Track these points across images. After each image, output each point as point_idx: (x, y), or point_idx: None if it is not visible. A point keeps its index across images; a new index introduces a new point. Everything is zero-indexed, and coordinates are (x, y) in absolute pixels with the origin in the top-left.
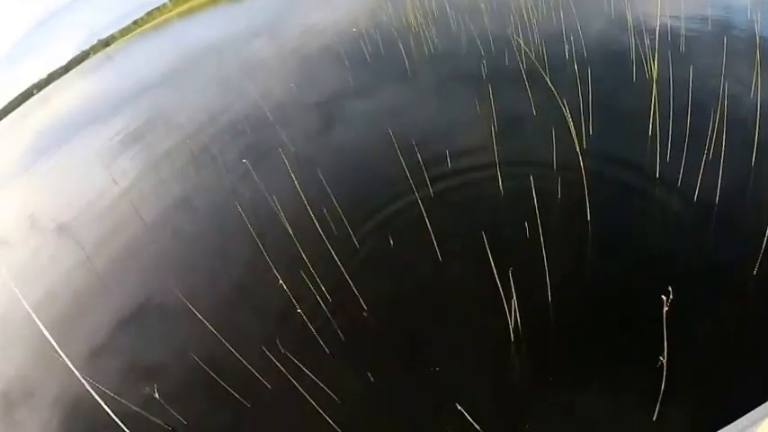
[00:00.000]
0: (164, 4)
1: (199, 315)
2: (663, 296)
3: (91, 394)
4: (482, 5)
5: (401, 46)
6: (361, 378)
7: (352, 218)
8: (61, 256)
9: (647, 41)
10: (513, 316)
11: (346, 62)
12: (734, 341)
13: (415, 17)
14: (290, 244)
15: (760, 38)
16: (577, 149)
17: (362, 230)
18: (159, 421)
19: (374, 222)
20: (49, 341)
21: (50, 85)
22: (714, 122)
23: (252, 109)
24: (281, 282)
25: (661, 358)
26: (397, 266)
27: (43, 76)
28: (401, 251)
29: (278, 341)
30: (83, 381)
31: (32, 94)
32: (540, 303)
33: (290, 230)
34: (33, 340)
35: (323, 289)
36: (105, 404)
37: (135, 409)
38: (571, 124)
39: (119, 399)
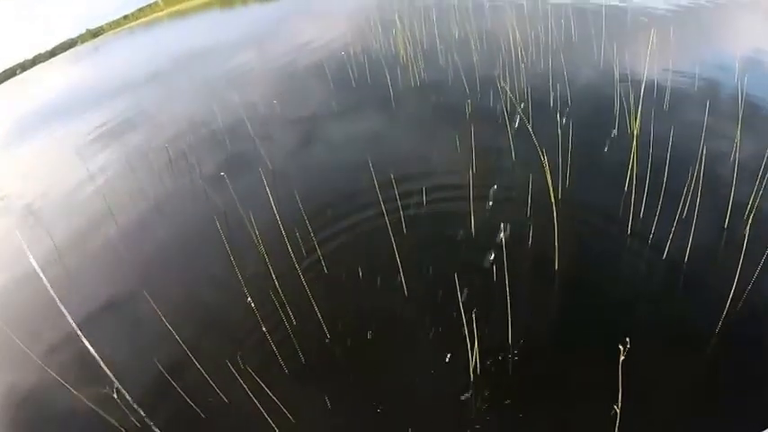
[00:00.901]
0: (155, 3)
1: (165, 320)
2: (620, 346)
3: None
4: (472, 44)
5: (388, 75)
6: (317, 402)
7: (324, 242)
8: (27, 244)
9: (631, 95)
10: (474, 358)
11: (331, 84)
12: (688, 397)
13: (405, 48)
14: (260, 262)
15: (744, 102)
16: (552, 199)
17: (332, 256)
18: (113, 421)
19: (345, 248)
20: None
21: (35, 68)
22: (690, 182)
23: (233, 120)
24: (249, 299)
25: (615, 407)
26: (362, 296)
27: (29, 57)
28: (368, 281)
29: (239, 356)
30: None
31: (15, 74)
32: (501, 347)
33: (262, 248)
34: None
35: (288, 310)
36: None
37: (91, 406)
38: (548, 173)
39: (75, 393)
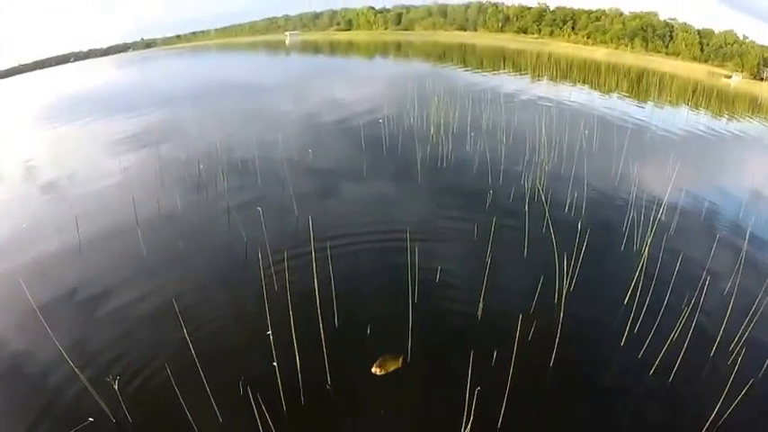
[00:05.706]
0: (208, 31)
1: (187, 335)
2: None
3: None
4: (500, 137)
5: (418, 149)
6: None
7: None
8: (48, 214)
9: (642, 216)
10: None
11: (364, 147)
12: None
13: (437, 128)
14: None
15: (748, 237)
16: (555, 301)
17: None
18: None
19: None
20: None
21: (87, 60)
22: (686, 311)
23: (270, 157)
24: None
25: None
26: None
27: (84, 49)
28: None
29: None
30: None
31: (68, 61)
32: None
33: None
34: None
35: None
36: None
37: None
38: (557, 275)
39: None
